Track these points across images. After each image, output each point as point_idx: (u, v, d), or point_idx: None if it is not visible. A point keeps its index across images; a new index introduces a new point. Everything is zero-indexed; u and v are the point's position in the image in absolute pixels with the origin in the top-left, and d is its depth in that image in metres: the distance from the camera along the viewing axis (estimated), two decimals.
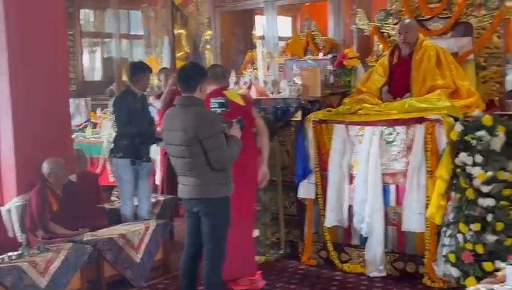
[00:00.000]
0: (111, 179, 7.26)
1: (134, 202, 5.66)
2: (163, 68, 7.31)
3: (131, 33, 10.93)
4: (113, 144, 5.68)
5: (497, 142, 4.45)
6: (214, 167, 4.00)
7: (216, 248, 4.17)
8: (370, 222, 5.11)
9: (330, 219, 5.32)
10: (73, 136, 6.78)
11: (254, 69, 8.88)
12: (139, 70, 5.60)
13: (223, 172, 4.08)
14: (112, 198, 7.19)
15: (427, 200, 4.82)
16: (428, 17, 5.89)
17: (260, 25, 9.61)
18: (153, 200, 5.95)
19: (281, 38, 8.94)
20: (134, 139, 5.41)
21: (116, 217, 5.62)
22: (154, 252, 5.12)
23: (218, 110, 4.18)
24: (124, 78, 9.83)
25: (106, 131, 7.81)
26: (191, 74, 4.14)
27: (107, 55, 11.05)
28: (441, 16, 5.83)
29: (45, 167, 5.12)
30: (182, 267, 4.31)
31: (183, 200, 4.27)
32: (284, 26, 10.15)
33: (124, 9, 10.41)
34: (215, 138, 3.97)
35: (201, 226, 4.17)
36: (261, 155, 4.92)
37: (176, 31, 9.79)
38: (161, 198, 6.17)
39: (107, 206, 5.92)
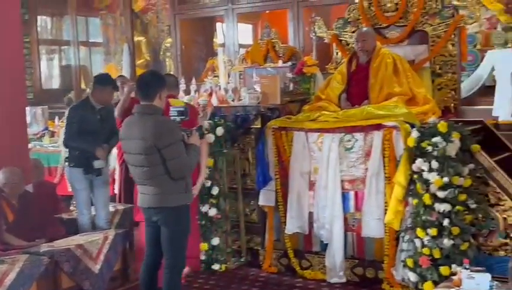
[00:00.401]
0: (69, 189, 7.15)
1: (92, 211, 5.58)
2: (119, 76, 7.21)
3: (90, 40, 10.80)
4: (67, 153, 5.59)
5: (452, 148, 4.53)
6: (173, 175, 3.98)
7: (176, 256, 4.14)
8: (330, 228, 5.15)
9: (291, 226, 5.34)
10: (30, 145, 6.65)
11: (215, 76, 8.88)
12: (98, 83, 5.43)
13: (182, 180, 4.06)
14: (71, 208, 7.07)
15: (386, 206, 4.88)
16: (385, 25, 5.97)
17: (221, 32, 9.62)
18: (112, 209, 5.87)
19: (242, 46, 8.96)
20: (85, 152, 5.30)
21: (74, 227, 5.52)
22: (113, 262, 5.04)
23: (178, 119, 4.16)
24: (83, 86, 9.72)
25: None
26: (150, 82, 4.11)
27: (65, 63, 10.89)
28: (397, 24, 5.91)
29: (0, 177, 5.00)
30: (142, 276, 4.27)
31: (143, 209, 4.23)
32: (245, 33, 10.17)
33: (82, 16, 10.29)
34: (174, 146, 3.95)
35: (161, 235, 4.14)
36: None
37: (135, 38, 9.73)
38: (120, 207, 6.08)
39: (64, 216, 5.80)
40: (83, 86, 9.79)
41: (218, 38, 9.74)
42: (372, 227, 4.96)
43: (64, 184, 7.46)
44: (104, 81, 5.43)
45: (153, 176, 3.98)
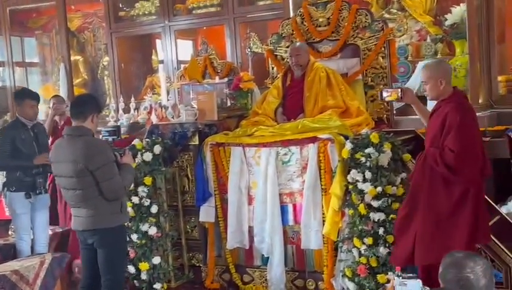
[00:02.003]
0: (7, 213, 6.98)
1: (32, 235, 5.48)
2: (54, 96, 7.10)
3: (26, 61, 10.56)
4: (5, 177, 5.47)
5: (385, 158, 4.64)
6: (106, 197, 3.94)
7: (114, 278, 4.10)
8: (270, 241, 5.18)
9: (231, 241, 5.35)
10: None
11: (154, 94, 8.83)
12: (17, 97, 5.37)
13: (117, 201, 4.03)
14: (9, 232, 6.90)
15: (323, 217, 4.94)
16: (318, 39, 6.08)
17: (160, 49, 9.57)
18: (50, 232, 5.77)
19: (183, 62, 8.91)
20: (26, 172, 5.22)
21: (11, 253, 5.41)
22: (51, 286, 4.93)
23: (110, 139, 4.15)
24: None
25: None
26: (85, 102, 4.09)
27: (0, 84, 10.62)
28: (330, 39, 6.03)
29: None
30: None
31: (77, 232, 4.18)
32: (186, 50, 10.14)
33: (16, 36, 10.06)
34: (106, 167, 3.91)
35: (98, 257, 4.09)
36: None
37: (72, 58, 9.57)
38: (58, 230, 5.99)
39: (0, 241, 5.68)
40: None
41: (158, 56, 9.69)
42: (311, 239, 5.02)
43: (1, 208, 7.28)
44: (23, 95, 5.37)
45: (86, 198, 3.93)
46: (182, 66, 8.33)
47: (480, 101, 6.61)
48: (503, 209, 5.48)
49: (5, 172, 5.60)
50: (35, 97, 5.46)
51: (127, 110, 8.31)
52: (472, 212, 4.02)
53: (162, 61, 9.30)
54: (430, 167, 4.06)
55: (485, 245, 4.63)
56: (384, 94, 4.51)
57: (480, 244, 4.39)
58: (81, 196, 3.92)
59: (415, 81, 7.07)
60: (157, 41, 9.62)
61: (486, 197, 5.16)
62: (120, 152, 4.08)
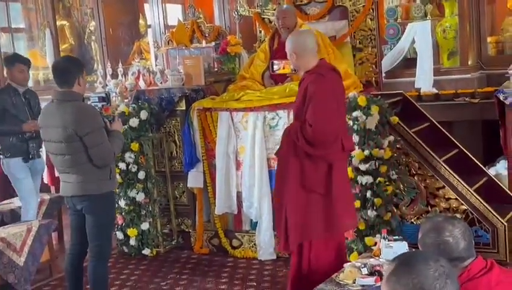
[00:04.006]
0: None
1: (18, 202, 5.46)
2: None
3: (12, 26, 10.38)
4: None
5: (372, 122, 4.62)
6: (95, 163, 3.89)
7: (102, 244, 4.08)
8: (259, 206, 5.18)
9: (220, 207, 5.34)
10: None
11: (142, 59, 8.72)
12: (7, 63, 5.35)
13: (107, 167, 3.99)
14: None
15: None
16: (305, 1, 5.98)
17: (148, 13, 9.41)
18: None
19: (173, 28, 8.76)
20: (19, 137, 5.20)
21: None
22: (38, 253, 4.92)
23: (99, 105, 4.10)
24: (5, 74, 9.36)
25: None
26: (66, 68, 3.99)
27: None
28: (317, 1, 5.92)
29: None
30: (67, 266, 4.20)
31: (66, 199, 4.14)
32: (175, 14, 9.96)
33: (1, 1, 9.87)
34: (96, 133, 3.86)
35: (86, 224, 4.07)
36: None
37: (58, 23, 9.40)
38: (46, 197, 5.96)
39: None
40: (5, 73, 9.41)
41: (148, 20, 9.53)
42: None
43: None
44: (13, 59, 5.36)
45: (75, 164, 3.89)
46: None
47: (469, 62, 6.57)
48: (492, 171, 5.49)
49: None
50: (26, 62, 5.46)
51: (114, 75, 8.20)
52: (341, 187, 3.90)
53: (149, 26, 9.16)
54: (293, 141, 3.88)
55: (472, 206, 4.64)
56: (275, 67, 4.35)
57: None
58: (70, 162, 3.87)
59: (405, 43, 7.02)
60: (145, 6, 9.46)
61: (473, 158, 5.21)
62: (109, 118, 4.03)
